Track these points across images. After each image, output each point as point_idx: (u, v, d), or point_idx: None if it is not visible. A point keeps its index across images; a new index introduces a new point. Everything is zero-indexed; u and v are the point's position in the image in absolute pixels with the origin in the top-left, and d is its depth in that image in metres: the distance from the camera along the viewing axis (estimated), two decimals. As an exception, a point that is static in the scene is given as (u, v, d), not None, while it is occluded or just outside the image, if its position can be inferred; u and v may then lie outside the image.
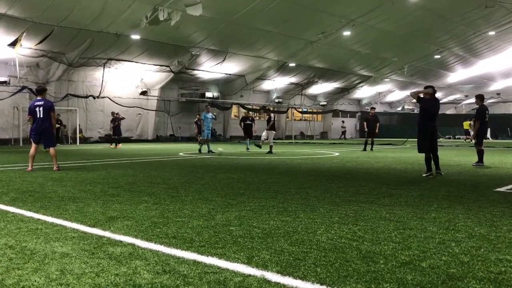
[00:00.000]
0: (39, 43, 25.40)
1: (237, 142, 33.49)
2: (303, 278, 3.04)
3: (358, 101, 54.88)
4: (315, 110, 49.79)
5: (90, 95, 30.44)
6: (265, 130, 19.66)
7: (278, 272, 3.16)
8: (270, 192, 7.05)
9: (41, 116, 10.46)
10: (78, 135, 29.57)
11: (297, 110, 46.53)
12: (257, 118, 46.05)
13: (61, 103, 29.12)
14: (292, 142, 34.86)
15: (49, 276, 3.06)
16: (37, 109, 10.51)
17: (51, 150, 10.73)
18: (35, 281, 2.96)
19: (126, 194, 6.77)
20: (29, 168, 10.38)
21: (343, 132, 48.39)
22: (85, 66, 29.39)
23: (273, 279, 3.00)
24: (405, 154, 18.18)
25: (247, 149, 20.65)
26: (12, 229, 4.44)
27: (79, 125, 29.94)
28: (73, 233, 4.27)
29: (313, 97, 48.05)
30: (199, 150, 19.08)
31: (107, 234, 4.24)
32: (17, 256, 3.51)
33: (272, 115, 20.54)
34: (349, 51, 35.73)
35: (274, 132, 19.81)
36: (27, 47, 25.43)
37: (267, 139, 19.42)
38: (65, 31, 24.66)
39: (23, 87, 26.62)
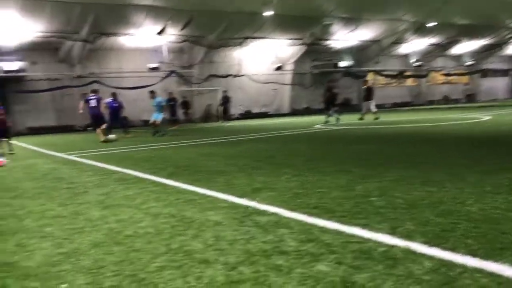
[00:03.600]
0: (182, 29, 27.43)
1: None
2: (452, 249, 2.92)
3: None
4: (459, 72, 45.78)
5: (229, 75, 32.10)
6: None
7: (424, 243, 3.08)
8: (411, 162, 6.78)
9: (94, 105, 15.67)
10: (221, 113, 31.36)
11: (438, 73, 43.29)
12: (395, 84, 44.09)
13: (204, 84, 31.24)
14: (434, 108, 32.70)
15: (206, 242, 3.40)
16: (91, 100, 15.82)
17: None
18: (195, 246, 3.31)
19: (268, 167, 7.09)
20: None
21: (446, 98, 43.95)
22: (223, 47, 31.02)
23: (419, 250, 2.94)
24: None
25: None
26: (172, 200, 4.99)
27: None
28: (223, 204, 4.65)
29: (457, 58, 44.23)
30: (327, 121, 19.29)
31: (253, 204, 4.53)
32: (178, 224, 3.96)
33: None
34: (499, 2, 31.92)
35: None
36: (172, 34, 27.63)
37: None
38: (204, 15, 26.21)
39: (171, 72, 29.06)
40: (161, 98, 18.74)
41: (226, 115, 27.33)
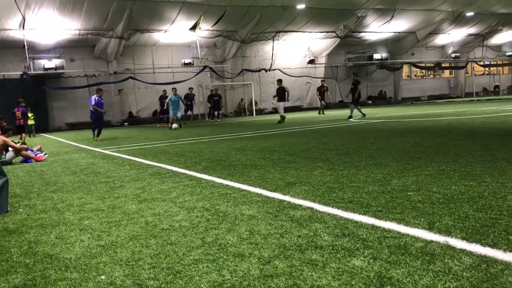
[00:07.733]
0: (214, 24, 27.55)
1: (409, 104, 31.85)
2: (493, 245, 2.83)
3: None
4: (500, 62, 44.20)
5: (262, 69, 32.07)
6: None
7: (463, 238, 3.00)
8: (450, 155, 6.61)
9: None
10: (254, 107, 31.42)
11: (477, 64, 41.96)
12: (432, 76, 43.10)
13: (237, 79, 31.33)
14: (473, 100, 31.73)
15: (240, 235, 3.41)
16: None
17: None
18: (229, 239, 3.33)
19: (301, 161, 7.06)
20: None
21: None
22: (256, 41, 31.00)
23: (458, 246, 2.86)
24: None
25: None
26: (206, 194, 5.03)
27: (254, 97, 31.76)
28: (257, 198, 4.66)
29: (497, 48, 42.67)
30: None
31: (287, 198, 4.52)
32: (212, 218, 3.99)
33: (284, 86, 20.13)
34: (543, -11, 30.65)
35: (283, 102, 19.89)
36: (205, 29, 27.80)
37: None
38: (236, 9, 26.24)
39: (205, 67, 29.26)
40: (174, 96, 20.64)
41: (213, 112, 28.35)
